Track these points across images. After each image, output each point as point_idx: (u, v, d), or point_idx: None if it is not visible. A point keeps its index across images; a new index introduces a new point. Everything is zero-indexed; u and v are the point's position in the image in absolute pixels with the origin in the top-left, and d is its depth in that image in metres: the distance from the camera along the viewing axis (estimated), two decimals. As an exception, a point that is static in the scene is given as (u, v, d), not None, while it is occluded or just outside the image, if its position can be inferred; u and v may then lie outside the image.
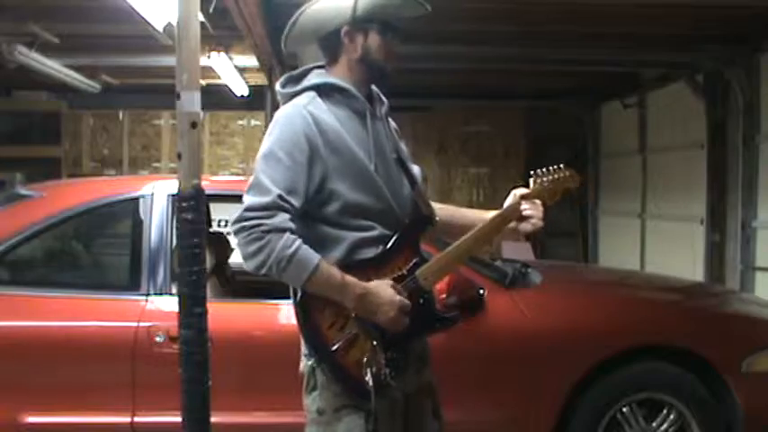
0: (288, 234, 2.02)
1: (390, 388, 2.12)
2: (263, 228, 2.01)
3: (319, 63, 2.28)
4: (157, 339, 3.32)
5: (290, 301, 2.19)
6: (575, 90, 10.15)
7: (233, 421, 3.27)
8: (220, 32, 6.61)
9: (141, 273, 3.48)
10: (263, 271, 2.03)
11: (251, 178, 2.10)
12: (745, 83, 7.01)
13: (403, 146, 2.35)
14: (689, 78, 7.75)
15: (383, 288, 2.11)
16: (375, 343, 2.11)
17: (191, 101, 2.58)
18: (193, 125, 2.57)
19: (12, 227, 3.54)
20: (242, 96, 9.82)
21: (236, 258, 4.37)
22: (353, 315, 2.11)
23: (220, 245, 4.36)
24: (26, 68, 7.56)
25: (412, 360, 2.23)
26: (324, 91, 2.19)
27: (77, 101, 10.46)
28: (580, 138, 10.94)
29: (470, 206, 2.56)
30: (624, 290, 4.40)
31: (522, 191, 2.33)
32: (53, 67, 7.99)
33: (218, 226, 6.08)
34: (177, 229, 2.63)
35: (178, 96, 2.57)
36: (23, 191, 4.17)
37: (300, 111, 2.13)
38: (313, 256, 2.04)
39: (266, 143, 2.12)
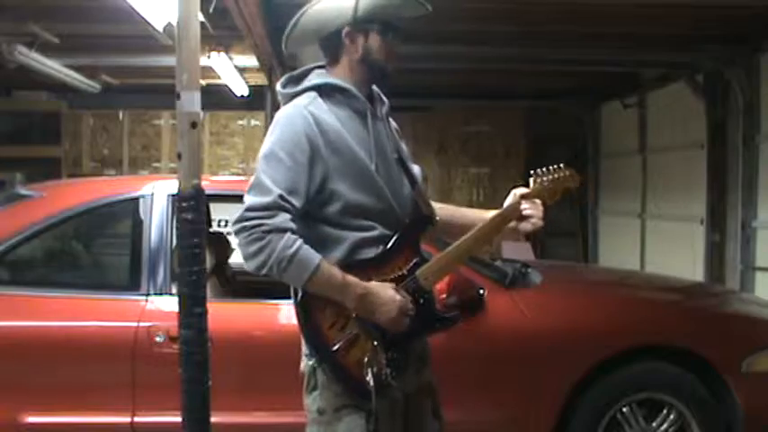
0: (289, 234, 2.02)
1: (391, 388, 2.13)
2: (263, 228, 2.01)
3: (320, 63, 2.28)
4: (157, 339, 3.32)
5: (291, 302, 2.19)
6: (575, 90, 10.15)
7: (233, 421, 3.27)
8: (220, 32, 6.61)
9: (141, 273, 3.47)
10: (264, 271, 2.04)
11: (252, 178, 2.10)
12: (745, 83, 7.01)
13: (403, 146, 2.36)
14: (689, 78, 7.75)
15: (384, 288, 2.11)
16: (376, 343, 2.12)
17: (191, 101, 2.58)
18: (193, 125, 2.57)
19: (12, 227, 3.54)
20: (242, 96, 9.82)
21: (236, 258, 4.37)
22: (354, 315, 2.11)
23: (220, 245, 4.36)
24: (26, 68, 7.56)
25: (412, 360, 2.23)
26: (325, 91, 2.19)
27: (77, 101, 10.46)
28: (580, 138, 10.94)
29: (470, 206, 2.56)
30: (624, 290, 4.40)
31: (522, 190, 2.33)
32: (53, 67, 7.99)
33: (218, 226, 6.08)
34: (177, 229, 2.63)
35: (178, 96, 2.57)
36: (23, 191, 4.17)
37: (301, 111, 2.13)
38: (314, 256, 2.05)
39: (267, 143, 2.12)
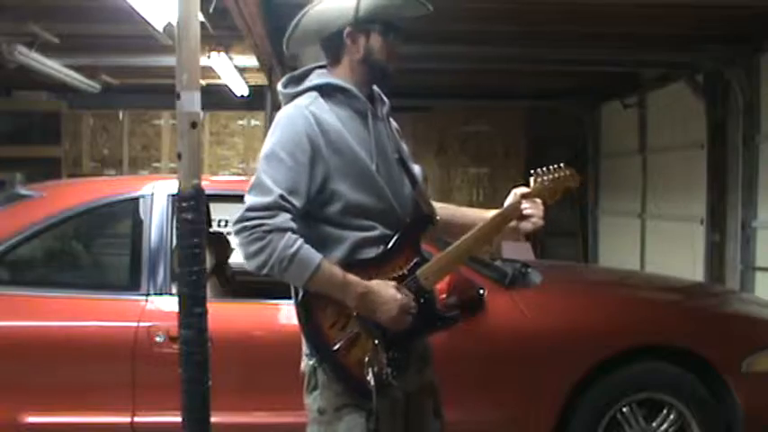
0: (289, 234, 2.03)
1: (392, 387, 2.13)
2: (264, 228, 2.01)
3: (321, 63, 2.28)
4: (157, 339, 3.32)
5: (290, 302, 2.19)
6: (575, 90, 10.15)
7: (233, 421, 3.27)
8: (220, 32, 6.61)
9: (141, 273, 3.48)
10: (265, 271, 2.04)
11: (253, 178, 2.10)
12: (745, 83, 7.01)
13: (404, 146, 2.36)
14: (689, 78, 7.75)
15: (385, 286, 2.11)
16: (377, 342, 2.12)
17: (191, 101, 2.58)
18: (193, 125, 2.58)
19: (12, 227, 3.54)
20: (242, 96, 9.82)
21: (236, 258, 4.37)
22: (355, 314, 2.11)
23: (220, 245, 4.36)
24: (26, 68, 7.56)
25: (413, 359, 2.23)
26: (326, 91, 2.19)
27: (77, 101, 10.46)
28: (580, 138, 10.94)
29: (470, 206, 2.56)
30: (624, 290, 4.40)
31: (522, 190, 2.33)
32: (53, 67, 7.99)
33: (218, 226, 6.08)
34: (177, 229, 2.64)
35: (178, 96, 2.57)
36: (23, 191, 4.17)
37: (302, 111, 2.13)
38: (314, 256, 2.05)
39: (268, 143, 2.12)
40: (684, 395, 3.49)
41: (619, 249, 10.01)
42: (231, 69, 8.16)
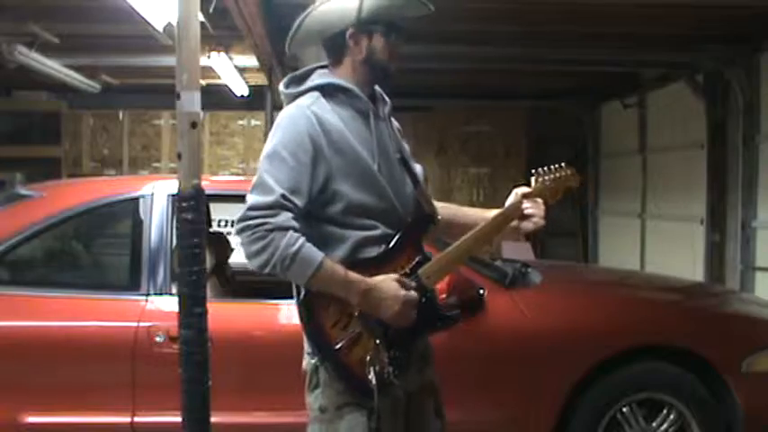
0: (291, 232, 2.03)
1: (393, 386, 2.13)
2: (266, 226, 2.02)
3: (322, 63, 2.29)
4: (157, 339, 3.32)
5: (291, 301, 2.19)
6: (575, 90, 10.15)
7: (233, 421, 3.27)
8: (220, 32, 6.62)
9: (141, 273, 3.47)
10: (268, 269, 2.04)
11: (254, 178, 2.11)
12: (745, 83, 7.01)
13: (406, 145, 2.37)
14: (689, 78, 7.75)
15: (387, 283, 2.11)
16: (378, 342, 2.12)
17: (191, 101, 2.58)
18: (193, 125, 2.58)
19: (12, 227, 3.54)
20: (242, 96, 9.82)
21: (236, 258, 4.37)
22: (357, 314, 2.12)
23: (220, 245, 4.36)
24: (26, 68, 7.56)
25: (414, 359, 2.24)
26: (327, 91, 2.20)
27: (77, 101, 10.47)
28: (580, 138, 10.94)
29: (471, 206, 2.56)
30: (624, 290, 4.40)
31: (523, 189, 2.34)
32: (53, 67, 7.99)
33: (218, 226, 6.08)
34: (177, 229, 2.63)
35: (178, 96, 2.57)
36: (23, 191, 4.17)
37: (304, 111, 2.14)
38: (316, 254, 2.05)
39: (270, 143, 2.13)
40: (684, 395, 3.49)
41: (619, 249, 10.01)
42: (231, 69, 8.17)
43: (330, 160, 2.11)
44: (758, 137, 6.96)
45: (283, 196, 2.04)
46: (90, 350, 3.37)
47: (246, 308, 3.64)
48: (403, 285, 2.13)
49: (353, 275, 2.09)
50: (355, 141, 2.15)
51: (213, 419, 2.67)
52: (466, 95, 10.55)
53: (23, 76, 8.15)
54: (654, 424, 3.51)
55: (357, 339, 2.12)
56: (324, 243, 2.11)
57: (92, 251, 4.18)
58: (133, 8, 5.13)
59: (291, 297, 2.23)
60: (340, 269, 2.08)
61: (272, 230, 2.02)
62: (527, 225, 2.31)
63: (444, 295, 3.21)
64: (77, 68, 8.67)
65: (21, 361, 3.35)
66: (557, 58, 7.68)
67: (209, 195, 2.83)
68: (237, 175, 10.03)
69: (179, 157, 2.59)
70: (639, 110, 9.36)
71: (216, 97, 9.01)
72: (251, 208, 2.04)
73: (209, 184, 3.09)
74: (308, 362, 2.20)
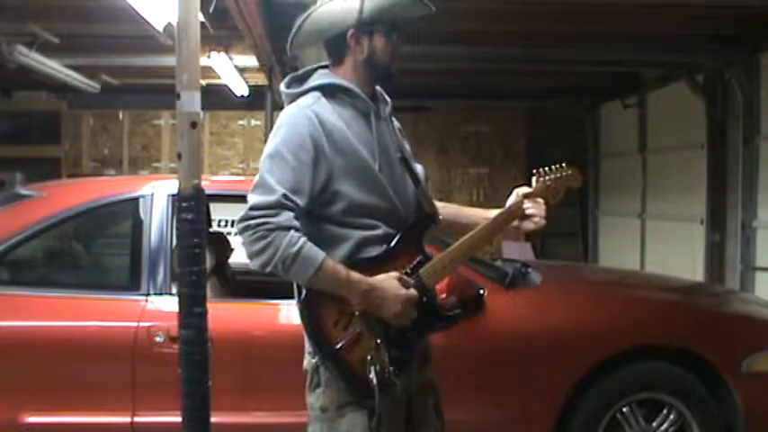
0: (292, 232, 2.03)
1: (394, 386, 2.14)
2: (267, 226, 2.02)
3: (323, 63, 2.29)
4: (157, 339, 3.31)
5: (290, 301, 2.19)
6: (575, 90, 10.15)
7: (233, 421, 3.27)
8: (220, 32, 6.62)
9: (141, 273, 3.47)
10: (269, 269, 2.05)
11: (256, 178, 2.11)
12: (745, 83, 7.02)
13: (407, 145, 2.37)
14: (689, 78, 7.76)
15: (389, 282, 2.12)
16: (379, 341, 2.12)
17: (191, 101, 2.58)
18: (193, 125, 2.58)
19: (12, 227, 3.54)
20: (242, 96, 9.82)
21: (236, 258, 4.37)
22: (357, 313, 2.12)
23: (220, 245, 4.36)
24: (26, 68, 7.56)
25: (414, 358, 2.24)
26: (329, 91, 2.20)
27: (77, 101, 10.47)
28: (580, 138, 10.94)
29: (471, 206, 2.56)
30: (624, 290, 4.40)
31: (524, 189, 2.34)
32: (53, 67, 7.99)
33: (219, 226, 6.08)
34: (177, 229, 2.64)
35: (178, 96, 2.57)
36: (23, 191, 4.17)
37: (305, 111, 2.14)
38: (318, 254, 2.05)
39: (271, 143, 2.13)
40: (684, 395, 3.49)
41: (619, 249, 10.01)
42: (231, 69, 8.16)
43: (331, 160, 2.12)
44: (758, 137, 6.96)
45: (285, 196, 2.04)
46: (90, 350, 3.37)
47: (246, 308, 3.64)
48: (404, 284, 2.13)
49: (354, 275, 2.09)
50: (356, 141, 2.16)
51: (213, 419, 2.67)
52: (466, 95, 10.55)
53: (23, 76, 8.15)
54: (654, 424, 3.51)
55: (358, 339, 2.12)
56: (325, 243, 2.12)
57: (92, 251, 4.19)
58: (133, 8, 5.13)
59: (291, 297, 2.24)
60: (341, 269, 2.08)
61: (273, 230, 2.02)
62: (528, 225, 2.31)
63: (444, 295, 3.22)
64: (77, 68, 8.67)
65: (21, 361, 3.34)
66: (557, 58, 7.69)
67: (209, 195, 2.83)
68: (237, 175, 10.03)
69: (179, 157, 2.59)
70: (639, 110, 9.36)
71: (216, 97, 9.01)
72: (252, 207, 2.05)
73: (209, 184, 3.09)
74: (308, 361, 2.20)
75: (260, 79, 8.92)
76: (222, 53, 7.45)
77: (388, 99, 2.34)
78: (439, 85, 9.83)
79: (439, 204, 2.39)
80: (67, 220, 3.64)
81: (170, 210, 3.50)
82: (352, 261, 2.13)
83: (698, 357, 3.50)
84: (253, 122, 10.46)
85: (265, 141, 2.18)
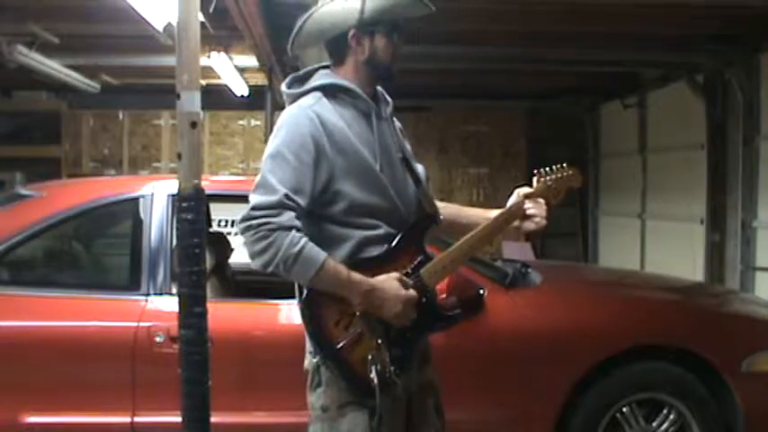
0: (294, 232, 2.04)
1: (394, 386, 2.14)
2: (269, 226, 2.03)
3: (324, 63, 2.29)
4: (157, 339, 3.31)
5: (290, 301, 2.20)
6: (575, 90, 10.15)
7: (233, 421, 3.27)
8: (220, 32, 6.62)
9: (141, 273, 3.47)
10: (270, 269, 2.05)
11: (257, 178, 2.11)
12: (745, 83, 7.01)
13: (407, 145, 2.37)
14: (689, 78, 7.75)
15: (389, 283, 2.12)
16: (380, 341, 2.13)
17: (191, 101, 2.58)
18: (193, 125, 2.58)
19: (12, 227, 3.54)
20: (242, 96, 9.82)
21: (236, 258, 4.38)
22: (358, 313, 2.12)
23: (220, 245, 4.36)
24: (26, 68, 7.56)
25: (415, 358, 2.24)
26: (330, 92, 2.21)
27: (77, 101, 10.47)
28: (580, 138, 10.94)
29: (471, 206, 2.56)
30: (624, 290, 4.40)
31: (525, 190, 2.34)
32: (53, 67, 7.99)
33: (219, 226, 6.08)
34: (177, 229, 2.64)
35: (178, 96, 2.58)
36: (23, 191, 4.17)
37: (307, 112, 2.14)
38: (319, 254, 2.06)
39: (273, 144, 2.14)
40: (684, 395, 3.49)
41: (619, 249, 10.01)
42: (231, 69, 8.16)
43: (332, 160, 2.12)
44: (758, 137, 6.96)
45: (286, 196, 2.05)
46: (90, 350, 3.37)
47: (246, 308, 3.64)
48: (404, 285, 2.13)
49: (356, 276, 2.09)
50: (357, 141, 2.16)
51: (213, 419, 2.67)
52: (466, 95, 10.55)
53: (23, 76, 8.15)
54: (654, 424, 3.51)
55: (359, 338, 2.13)
56: (326, 242, 2.12)
57: (92, 251, 4.19)
58: (133, 8, 5.13)
59: (291, 297, 2.24)
60: (342, 269, 2.09)
61: (275, 230, 2.02)
62: (529, 225, 2.31)
63: (444, 295, 3.22)
64: (77, 68, 8.67)
65: (21, 361, 3.34)
66: (557, 58, 7.69)
67: (209, 195, 2.83)
68: (237, 175, 10.03)
69: (179, 157, 2.60)
70: (639, 110, 9.36)
71: (216, 97, 9.01)
72: (254, 207, 2.05)
73: (209, 184, 3.10)
74: (309, 361, 2.21)
75: (260, 79, 8.92)
76: (222, 53, 7.44)
77: (389, 99, 2.35)
78: (439, 85, 9.83)
79: (440, 204, 2.39)
80: (67, 220, 3.64)
81: (170, 210, 3.50)
82: (354, 261, 2.13)
83: (698, 357, 3.50)
84: (253, 122, 10.46)
85: (265, 141, 2.18)
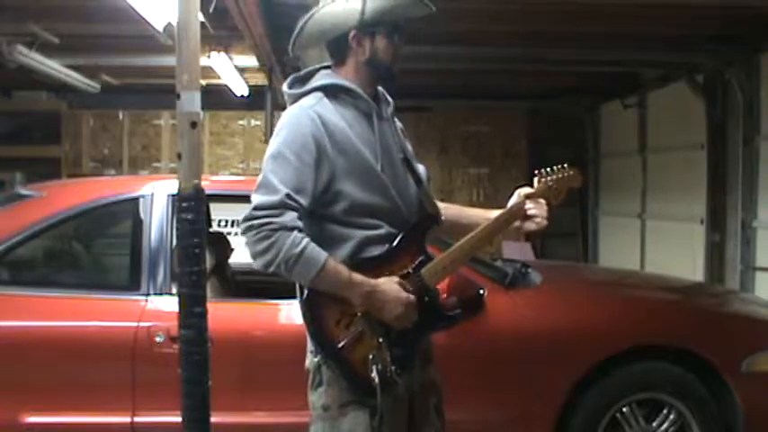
0: (296, 232, 2.04)
1: (395, 385, 2.14)
2: (271, 226, 2.03)
3: (326, 64, 2.30)
4: (157, 339, 3.31)
5: (291, 301, 2.20)
6: (575, 90, 10.15)
7: (233, 421, 3.27)
8: (220, 32, 6.61)
9: (141, 273, 3.47)
10: (272, 269, 2.05)
11: (259, 178, 2.12)
12: (745, 83, 7.01)
13: (408, 146, 2.37)
14: (689, 78, 7.75)
15: (390, 285, 2.13)
16: (381, 340, 2.13)
17: (191, 101, 2.58)
18: (193, 125, 2.58)
19: (12, 227, 3.54)
20: (242, 96, 9.82)
21: (236, 258, 4.38)
22: (359, 313, 2.13)
23: (220, 245, 4.36)
24: (26, 68, 7.56)
25: (416, 357, 2.24)
26: (331, 92, 2.21)
27: (77, 101, 10.47)
28: (580, 138, 10.94)
29: (471, 206, 2.57)
30: (624, 290, 4.40)
31: (526, 190, 2.35)
32: (53, 67, 7.99)
33: (219, 226, 6.08)
34: (177, 229, 2.64)
35: (178, 96, 2.58)
36: (23, 191, 4.17)
37: (308, 112, 2.15)
38: (320, 254, 2.06)
39: (274, 144, 2.14)
40: (684, 395, 3.49)
41: (619, 249, 10.01)
42: (231, 69, 8.16)
43: (333, 160, 2.12)
44: (758, 137, 6.96)
45: (288, 196, 2.05)
46: (90, 350, 3.37)
47: (246, 308, 3.64)
48: (404, 287, 2.13)
49: (357, 277, 2.10)
50: (358, 142, 2.16)
51: (213, 419, 2.67)
52: (466, 96, 10.55)
53: (23, 76, 8.15)
54: (654, 424, 3.51)
55: (360, 338, 2.13)
56: (327, 242, 2.12)
57: (92, 251, 4.19)
58: (133, 8, 5.13)
59: (291, 297, 2.24)
60: (344, 270, 2.09)
61: (276, 230, 2.03)
62: (530, 225, 2.32)
63: (444, 295, 3.21)
64: (77, 68, 8.67)
65: (21, 361, 3.34)
66: (557, 58, 7.68)
67: (209, 195, 2.83)
68: (237, 174, 10.03)
69: (179, 157, 2.60)
70: (639, 110, 9.36)
71: (216, 97, 9.01)
72: (256, 207, 2.06)
73: (209, 184, 3.09)
74: (310, 360, 2.21)
75: (260, 79, 8.93)
76: (222, 53, 7.44)
77: (390, 99, 2.35)
78: (440, 85, 9.83)
79: (441, 205, 2.40)
80: (67, 220, 3.64)
81: (170, 210, 3.50)
82: (355, 260, 2.14)
83: (698, 357, 3.50)
84: (253, 122, 10.46)
85: (266, 141, 2.19)
